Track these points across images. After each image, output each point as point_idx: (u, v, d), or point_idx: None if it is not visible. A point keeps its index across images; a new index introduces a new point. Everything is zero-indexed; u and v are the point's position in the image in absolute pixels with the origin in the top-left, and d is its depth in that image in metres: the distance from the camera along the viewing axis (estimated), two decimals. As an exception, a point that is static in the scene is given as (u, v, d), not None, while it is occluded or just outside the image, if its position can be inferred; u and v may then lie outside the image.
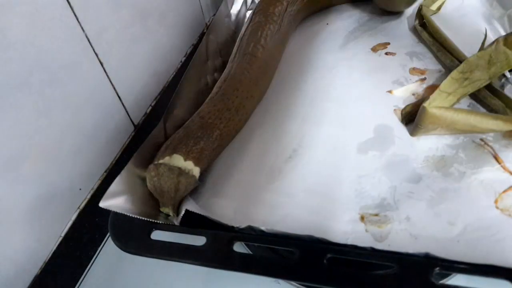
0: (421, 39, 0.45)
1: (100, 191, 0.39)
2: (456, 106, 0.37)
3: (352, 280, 0.24)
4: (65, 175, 0.35)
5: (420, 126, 0.34)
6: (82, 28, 0.34)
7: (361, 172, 0.34)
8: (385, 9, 0.52)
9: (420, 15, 0.46)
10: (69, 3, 0.32)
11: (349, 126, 0.38)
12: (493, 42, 0.39)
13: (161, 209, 0.31)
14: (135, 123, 0.44)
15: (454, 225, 0.29)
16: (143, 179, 0.32)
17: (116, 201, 0.29)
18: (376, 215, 0.30)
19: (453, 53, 0.41)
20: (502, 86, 0.39)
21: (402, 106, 0.38)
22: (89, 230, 0.38)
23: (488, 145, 0.34)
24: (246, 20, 0.50)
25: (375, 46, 0.47)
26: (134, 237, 0.29)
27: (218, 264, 0.26)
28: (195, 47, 0.54)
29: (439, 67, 0.42)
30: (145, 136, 0.34)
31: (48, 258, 0.35)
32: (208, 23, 0.57)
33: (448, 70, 0.41)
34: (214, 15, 0.51)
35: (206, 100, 0.38)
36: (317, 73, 0.44)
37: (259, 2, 0.48)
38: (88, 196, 0.38)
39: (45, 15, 0.30)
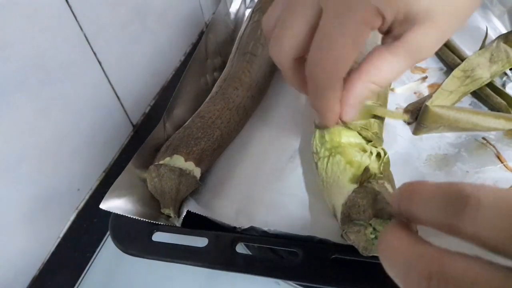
0: (421, 38, 0.45)
1: (98, 192, 0.38)
2: (458, 104, 0.37)
3: (358, 280, 0.24)
4: (63, 176, 0.34)
5: (422, 124, 0.34)
6: (80, 27, 0.33)
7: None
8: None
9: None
10: (67, 2, 0.31)
11: (351, 125, 0.37)
12: (494, 40, 0.39)
13: (162, 210, 0.31)
14: (134, 123, 0.43)
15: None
16: (144, 180, 0.31)
17: (116, 202, 0.29)
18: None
19: (454, 52, 0.41)
20: (504, 85, 0.39)
21: (404, 105, 0.38)
22: (87, 231, 0.38)
23: (490, 144, 0.34)
24: (245, 18, 0.50)
25: (376, 44, 0.46)
26: (135, 238, 0.28)
27: (222, 266, 0.26)
28: (194, 46, 0.53)
29: (440, 65, 0.42)
30: (144, 136, 0.34)
31: (47, 259, 0.34)
32: (207, 22, 0.57)
33: (449, 68, 0.41)
34: (214, 13, 0.50)
35: (206, 99, 0.38)
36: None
37: (258, 0, 0.47)
38: (87, 197, 0.38)
39: (44, 15, 0.29)
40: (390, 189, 0.27)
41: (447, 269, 0.13)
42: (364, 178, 0.27)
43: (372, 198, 0.26)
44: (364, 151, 0.29)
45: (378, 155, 0.29)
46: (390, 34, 0.24)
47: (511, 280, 0.12)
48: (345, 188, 0.27)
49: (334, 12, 0.22)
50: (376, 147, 0.29)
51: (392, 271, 0.15)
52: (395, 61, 0.24)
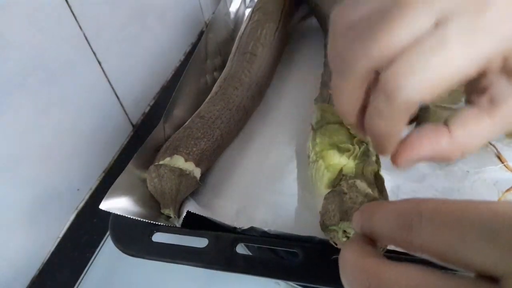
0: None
1: (98, 192, 0.38)
2: (458, 104, 0.37)
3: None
4: (63, 176, 0.34)
5: (424, 124, 0.34)
6: (80, 27, 0.33)
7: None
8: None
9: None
10: (67, 2, 0.31)
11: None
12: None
13: (162, 211, 0.30)
14: (134, 123, 0.43)
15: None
16: (144, 181, 0.31)
17: (116, 203, 0.29)
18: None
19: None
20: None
21: (404, 105, 0.38)
22: (87, 231, 0.38)
23: (491, 144, 0.34)
24: (245, 18, 0.50)
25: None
26: (135, 239, 0.28)
27: (222, 266, 0.26)
28: (194, 46, 0.53)
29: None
30: (144, 136, 0.34)
31: (46, 259, 0.34)
32: (207, 22, 0.57)
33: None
34: (213, 13, 0.50)
35: (206, 99, 0.38)
36: (318, 71, 0.44)
37: (258, 0, 0.47)
38: (86, 197, 0.38)
39: (44, 15, 0.29)
40: (363, 187, 0.26)
41: (383, 280, 0.14)
42: (337, 181, 0.27)
43: (339, 201, 0.25)
44: (348, 150, 0.29)
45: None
46: (483, 94, 0.19)
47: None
48: (321, 196, 0.27)
49: None
50: (366, 143, 0.29)
51: (343, 283, 0.16)
52: (491, 129, 0.20)
